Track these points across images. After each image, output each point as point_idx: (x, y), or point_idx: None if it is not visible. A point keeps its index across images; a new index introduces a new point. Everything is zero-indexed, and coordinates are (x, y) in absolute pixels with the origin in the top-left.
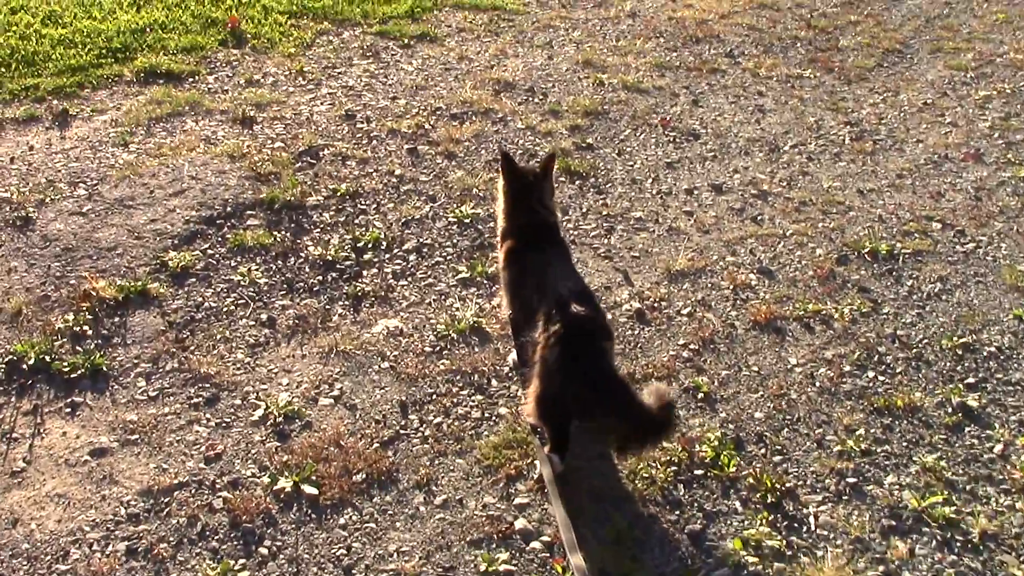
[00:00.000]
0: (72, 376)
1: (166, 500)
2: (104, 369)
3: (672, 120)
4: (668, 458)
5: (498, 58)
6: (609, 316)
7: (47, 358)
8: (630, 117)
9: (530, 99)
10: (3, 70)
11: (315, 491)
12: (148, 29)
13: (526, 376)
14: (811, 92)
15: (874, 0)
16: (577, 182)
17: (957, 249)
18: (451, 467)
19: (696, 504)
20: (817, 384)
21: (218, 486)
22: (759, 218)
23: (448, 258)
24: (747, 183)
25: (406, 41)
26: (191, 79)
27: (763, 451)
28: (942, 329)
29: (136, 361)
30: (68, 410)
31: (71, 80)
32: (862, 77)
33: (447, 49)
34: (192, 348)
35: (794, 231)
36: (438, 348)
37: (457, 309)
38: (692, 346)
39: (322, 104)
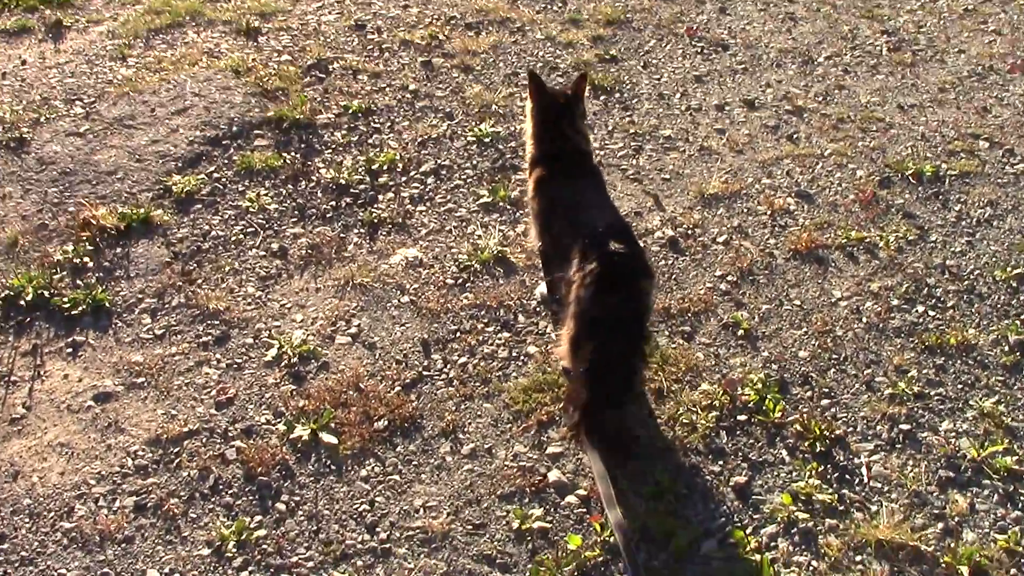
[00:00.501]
0: (73, 313)
1: (176, 450)
2: (107, 305)
3: (699, 29)
4: (709, 402)
5: None
6: (641, 243)
7: (46, 293)
8: (655, 26)
9: (549, 6)
10: None
11: (334, 440)
12: None
13: (559, 316)
14: None
15: None
16: (602, 97)
17: (1007, 170)
18: (478, 412)
19: (740, 453)
20: (864, 320)
21: (231, 434)
22: (795, 136)
23: (468, 181)
24: (781, 98)
25: None
26: None
27: (809, 394)
28: (994, 259)
29: (140, 296)
30: (69, 350)
31: None
32: None
33: None
34: (199, 281)
35: (832, 151)
36: (460, 280)
37: (479, 237)
38: (730, 277)
39: (330, 13)
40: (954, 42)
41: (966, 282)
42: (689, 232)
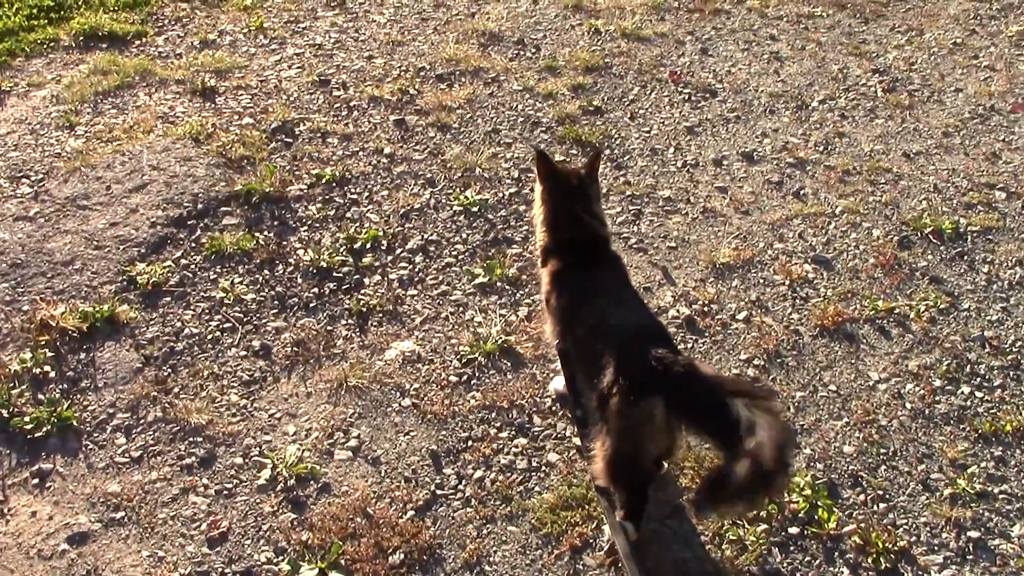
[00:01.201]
0: (37, 435)
1: None
2: (74, 424)
3: (683, 74)
4: (755, 513)
5: (477, 3)
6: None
7: (4, 412)
8: (636, 72)
9: (522, 53)
10: None
11: None
12: None
13: (582, 419)
14: (827, 34)
15: None
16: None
17: None
18: (503, 537)
19: (798, 575)
20: (908, 406)
21: None
22: (802, 193)
23: (460, 258)
24: (779, 149)
25: None
26: (137, 42)
27: (862, 497)
28: None
29: (111, 411)
30: (35, 481)
31: (1, 47)
32: (879, 14)
33: None
34: (176, 390)
35: (843, 208)
36: (465, 377)
37: (480, 324)
38: (756, 361)
39: (290, 68)
40: (949, 80)
41: (1010, 356)
42: (706, 309)
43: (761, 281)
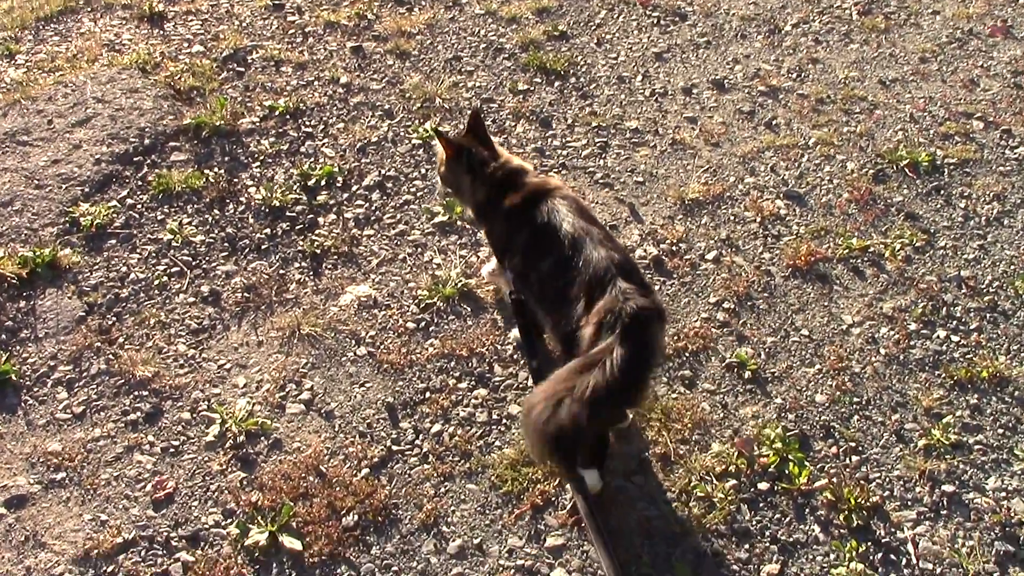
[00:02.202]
0: None
1: (110, 569)
2: (13, 378)
3: None
4: (724, 468)
5: None
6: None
7: None
8: None
9: None
10: None
11: (298, 544)
12: None
13: (540, 371)
14: None
15: None
16: (556, 84)
17: (1008, 156)
18: (462, 496)
19: (768, 533)
20: (882, 351)
21: (174, 543)
22: (774, 123)
23: (419, 195)
24: (751, 76)
25: None
26: None
27: (834, 450)
28: (1012, 266)
29: (53, 364)
30: None
31: None
32: None
33: None
34: (120, 340)
35: (817, 139)
36: (423, 323)
37: (439, 266)
38: (726, 304)
39: None
40: (926, 1)
41: (987, 297)
42: (674, 249)
43: (731, 218)
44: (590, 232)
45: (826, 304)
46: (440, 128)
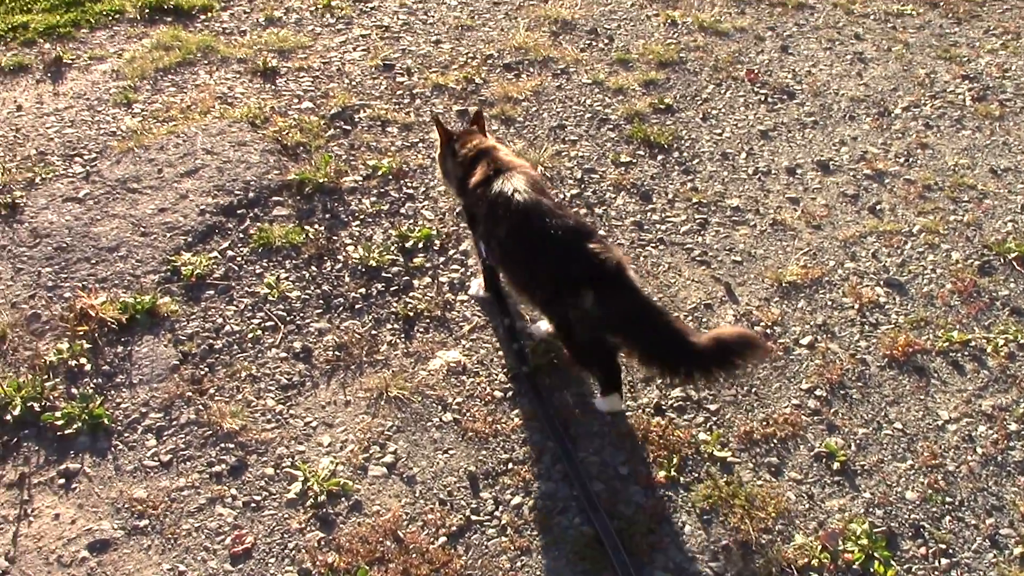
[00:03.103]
0: (67, 432)
1: None
2: (106, 423)
3: (760, 72)
4: (806, 560)
5: None
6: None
7: (36, 406)
8: (711, 68)
9: (594, 43)
10: None
11: None
12: None
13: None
14: (916, 35)
15: None
16: (659, 157)
17: None
18: (538, 571)
19: None
20: (979, 450)
21: None
22: (878, 208)
23: None
24: (857, 159)
25: None
26: (203, 16)
27: (923, 550)
28: None
29: (144, 410)
30: (62, 481)
31: (65, 17)
32: (973, 14)
33: None
34: (211, 391)
35: (922, 226)
36: (510, 392)
37: (529, 336)
38: (818, 391)
39: (355, 50)
40: None
41: None
42: (768, 331)
43: (829, 303)
44: (540, 202)
45: (922, 398)
46: (440, 117)
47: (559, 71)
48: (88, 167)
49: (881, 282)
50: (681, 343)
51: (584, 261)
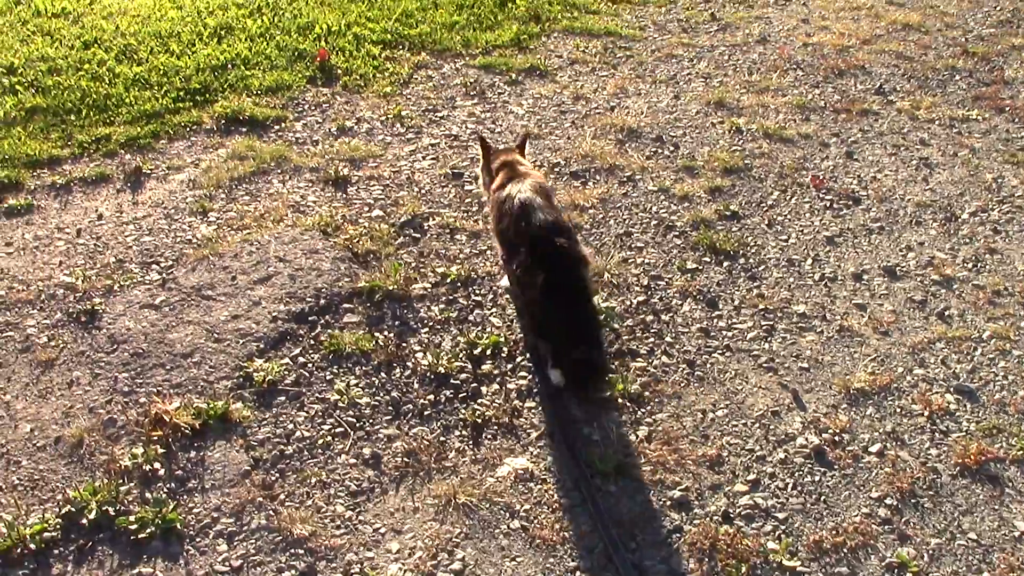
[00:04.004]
0: (140, 537)
1: None
2: (178, 527)
3: (825, 178)
4: None
5: (618, 97)
6: (782, 454)
7: (111, 510)
8: (776, 175)
9: (659, 151)
10: (72, 117)
11: None
12: (230, 65)
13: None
14: (982, 140)
15: None
16: (725, 263)
17: None
18: None
19: None
20: None
21: None
22: (947, 314)
23: None
24: (925, 264)
25: (513, 76)
26: (277, 127)
27: None
28: None
29: (216, 515)
30: None
31: (146, 129)
32: None
33: (560, 86)
34: (282, 496)
35: (992, 332)
36: (578, 499)
37: (596, 442)
38: (888, 500)
39: (424, 159)
40: None
41: None
42: (837, 439)
43: (898, 410)
44: (534, 200)
45: (996, 508)
46: (485, 138)
47: (625, 178)
48: (164, 274)
49: (951, 389)
50: (584, 338)
51: (547, 249)
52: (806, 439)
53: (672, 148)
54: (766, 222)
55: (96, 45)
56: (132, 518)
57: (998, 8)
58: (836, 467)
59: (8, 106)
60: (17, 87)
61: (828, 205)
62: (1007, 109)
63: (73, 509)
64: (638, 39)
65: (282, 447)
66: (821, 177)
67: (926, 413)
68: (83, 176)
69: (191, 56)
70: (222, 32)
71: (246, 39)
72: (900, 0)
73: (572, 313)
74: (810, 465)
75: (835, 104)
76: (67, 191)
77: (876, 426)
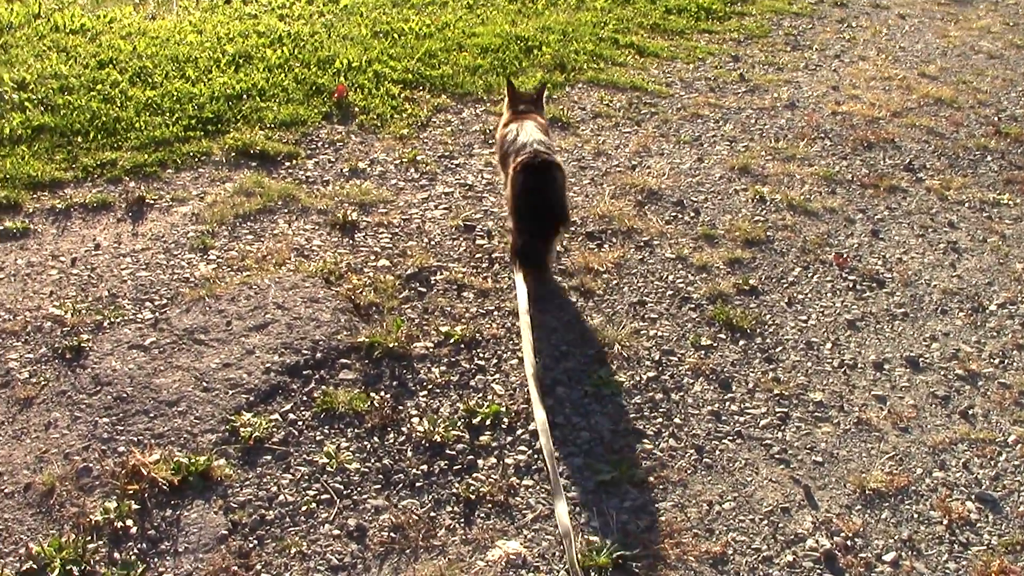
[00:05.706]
0: None
1: None
2: None
3: (849, 257)
4: None
5: (640, 155)
6: (790, 556)
7: (75, 569)
8: (799, 249)
9: (679, 216)
10: (79, 139)
11: None
12: (245, 95)
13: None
14: (1013, 226)
15: None
16: (741, 342)
17: None
18: None
19: None
20: None
21: None
22: (971, 412)
23: (584, 447)
24: (949, 357)
25: None
26: (287, 163)
27: None
28: None
29: None
30: None
31: (153, 156)
32: None
33: (582, 139)
34: (258, 567)
35: (1018, 436)
36: None
37: (593, 530)
38: None
39: (436, 208)
40: None
41: None
42: (848, 543)
43: (915, 516)
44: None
45: None
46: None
47: (643, 243)
48: (157, 313)
49: (973, 496)
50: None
51: (527, 155)
52: (816, 541)
53: (693, 214)
54: (786, 300)
55: (111, 65)
56: None
57: None
58: (847, 575)
59: (15, 123)
60: (26, 104)
61: (851, 286)
62: None
63: (35, 566)
64: (664, 95)
65: (263, 511)
66: (845, 256)
67: (945, 521)
68: (84, 202)
69: (207, 83)
70: (240, 60)
71: (264, 69)
72: (933, 73)
73: (534, 202)
74: (819, 571)
75: (863, 178)
76: (66, 216)
77: (891, 532)
